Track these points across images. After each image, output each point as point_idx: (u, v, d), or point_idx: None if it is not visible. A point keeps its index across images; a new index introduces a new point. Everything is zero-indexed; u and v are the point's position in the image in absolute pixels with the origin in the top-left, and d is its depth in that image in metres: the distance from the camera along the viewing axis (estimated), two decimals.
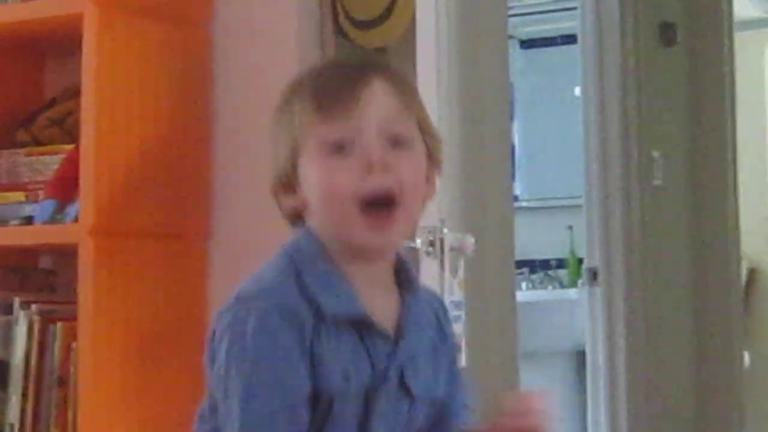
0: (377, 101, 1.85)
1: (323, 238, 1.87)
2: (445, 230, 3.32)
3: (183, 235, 3.29)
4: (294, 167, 1.87)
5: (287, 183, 1.89)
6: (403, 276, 1.94)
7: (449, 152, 3.47)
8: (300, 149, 1.85)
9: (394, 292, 1.92)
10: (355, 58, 1.95)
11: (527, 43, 6.15)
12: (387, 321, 1.87)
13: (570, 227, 5.56)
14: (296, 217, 1.92)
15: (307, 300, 1.79)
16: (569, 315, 5.30)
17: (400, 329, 1.88)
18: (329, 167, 1.82)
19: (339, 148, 1.82)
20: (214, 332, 1.83)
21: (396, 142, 1.84)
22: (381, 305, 1.87)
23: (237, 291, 1.85)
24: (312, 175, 1.84)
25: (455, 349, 2.10)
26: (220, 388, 1.79)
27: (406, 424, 1.92)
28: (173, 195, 3.46)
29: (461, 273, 3.39)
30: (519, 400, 1.97)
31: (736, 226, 5.75)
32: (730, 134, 5.71)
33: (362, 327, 1.84)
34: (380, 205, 1.82)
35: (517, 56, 5.89)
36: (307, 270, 1.83)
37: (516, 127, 5.82)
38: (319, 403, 1.79)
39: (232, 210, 3.44)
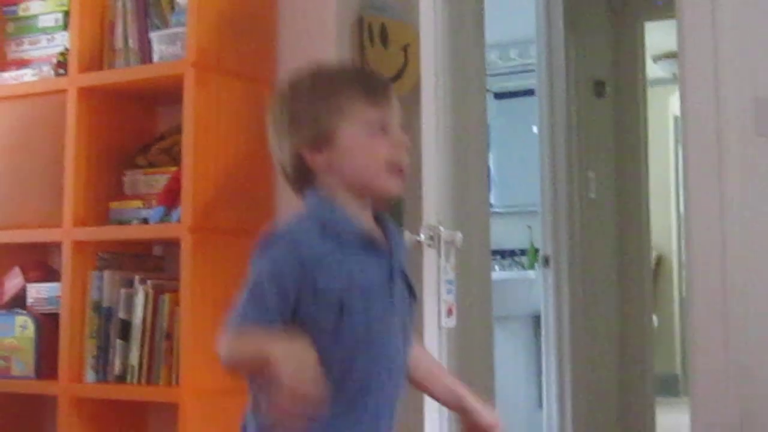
0: (396, 101, 1.90)
1: (340, 189, 1.85)
2: (441, 228, 3.32)
3: (254, 231, 3.32)
4: (332, 132, 1.83)
5: (319, 144, 1.84)
6: (380, 218, 1.94)
7: (444, 173, 3.48)
8: (343, 121, 1.83)
9: (375, 225, 1.91)
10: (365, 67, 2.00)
11: (499, 95, 6.14)
12: (381, 240, 1.87)
13: (529, 227, 5.56)
14: (301, 177, 1.89)
15: (324, 230, 1.79)
16: (529, 290, 5.30)
17: (390, 249, 1.88)
18: (374, 140, 1.83)
19: (380, 128, 1.83)
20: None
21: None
22: (377, 233, 1.88)
23: (270, 233, 1.85)
24: (359, 140, 1.83)
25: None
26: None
27: (405, 319, 1.92)
28: (248, 202, 3.47)
29: (452, 259, 3.39)
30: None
31: (648, 226, 5.77)
32: (643, 161, 5.73)
33: (367, 244, 1.83)
34: (399, 169, 1.85)
35: (492, 104, 5.88)
36: (326, 212, 1.82)
37: (491, 155, 5.82)
38: (332, 302, 1.77)
39: (290, 212, 3.43)
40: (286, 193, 2.30)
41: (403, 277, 1.92)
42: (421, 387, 2.06)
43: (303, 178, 1.87)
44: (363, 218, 1.87)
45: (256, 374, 1.78)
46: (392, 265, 1.87)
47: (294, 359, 1.65)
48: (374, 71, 1.99)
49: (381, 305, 1.84)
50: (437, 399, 2.11)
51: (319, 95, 1.86)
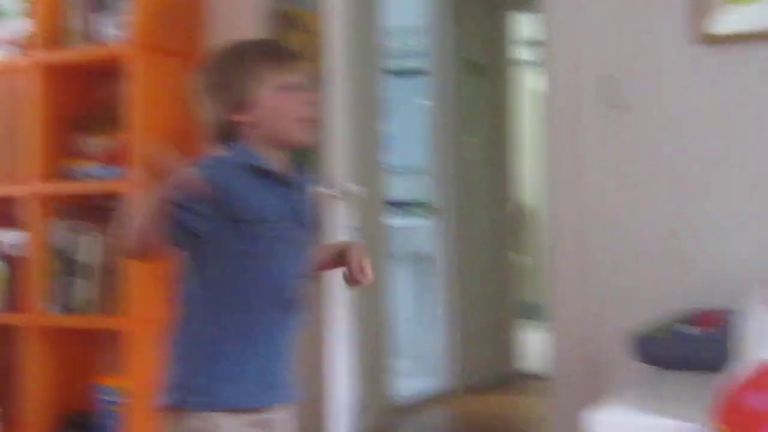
0: (303, 65, 1.90)
1: (260, 143, 1.84)
2: (350, 184, 3.35)
3: None
4: (251, 97, 1.83)
5: (242, 107, 1.83)
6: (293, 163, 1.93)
7: (349, 138, 3.51)
8: (260, 86, 1.83)
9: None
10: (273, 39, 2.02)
11: (398, 74, 6.15)
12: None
13: (419, 182, 5.59)
14: (225, 135, 1.87)
15: (247, 169, 1.80)
16: (419, 233, 5.36)
17: (300, 186, 1.90)
18: (287, 100, 1.83)
19: (291, 89, 1.83)
20: None
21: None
22: (290, 175, 1.88)
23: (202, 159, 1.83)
24: (274, 102, 1.83)
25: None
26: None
27: (304, 243, 1.92)
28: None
29: (356, 209, 3.43)
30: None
31: (516, 180, 5.84)
32: (516, 127, 5.79)
33: (281, 182, 1.84)
34: (309, 121, 1.86)
35: (391, 82, 5.90)
36: (253, 156, 1.82)
37: (390, 124, 5.85)
38: (246, 225, 1.78)
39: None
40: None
41: (309, 210, 1.93)
42: (320, 267, 2.06)
43: (227, 134, 1.86)
44: (279, 163, 1.87)
45: (159, 223, 1.71)
46: (296, 202, 1.88)
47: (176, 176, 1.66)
48: (282, 43, 1.99)
49: (284, 237, 1.84)
50: (328, 264, 2.08)
51: (239, 66, 1.86)
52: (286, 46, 1.97)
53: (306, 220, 1.92)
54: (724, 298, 3.02)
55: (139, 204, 1.69)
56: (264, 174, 1.83)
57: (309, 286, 1.95)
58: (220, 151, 1.88)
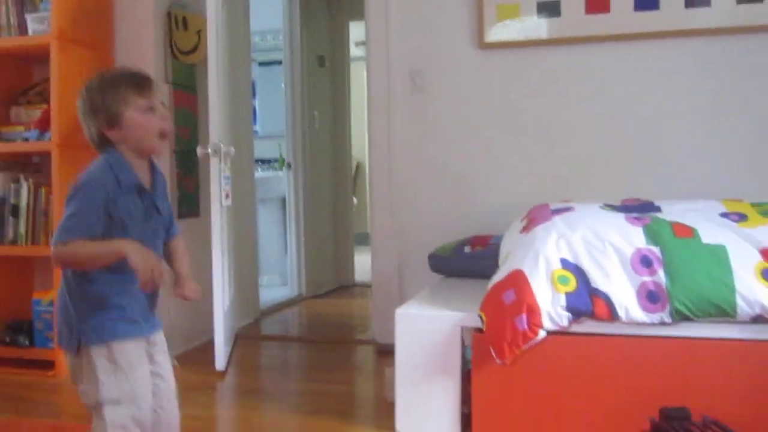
0: (158, 88, 1.83)
1: (128, 151, 1.78)
2: (221, 144, 3.32)
3: None
4: (120, 116, 1.75)
5: (111, 124, 1.75)
6: (152, 166, 1.86)
7: (223, 111, 3.47)
8: (126, 108, 1.75)
9: (149, 172, 1.84)
10: (136, 69, 1.87)
11: (262, 64, 6.07)
12: (147, 184, 1.82)
13: (279, 144, 5.56)
14: (103, 143, 1.78)
15: (116, 180, 1.73)
16: (280, 183, 5.35)
17: (153, 187, 1.83)
18: (147, 117, 1.76)
19: (150, 110, 1.77)
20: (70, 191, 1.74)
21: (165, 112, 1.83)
22: (146, 179, 1.82)
23: (78, 178, 1.75)
24: (138, 120, 1.75)
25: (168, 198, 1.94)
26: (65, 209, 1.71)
27: (157, 229, 1.87)
28: None
29: (229, 164, 3.41)
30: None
31: (350, 145, 5.88)
32: (347, 103, 5.81)
33: (140, 189, 1.79)
34: (165, 135, 1.80)
35: (257, 69, 5.83)
36: (117, 167, 1.75)
37: (257, 101, 5.79)
38: (117, 224, 1.73)
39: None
40: None
41: (157, 206, 1.86)
42: (168, 261, 1.98)
43: (103, 144, 1.79)
44: (140, 171, 1.80)
45: (96, 265, 1.71)
46: (153, 200, 1.82)
47: (140, 250, 1.66)
48: (142, 71, 1.89)
49: (144, 226, 1.80)
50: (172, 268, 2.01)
51: (108, 91, 1.78)
52: (148, 75, 1.87)
53: (161, 209, 1.86)
54: (496, 226, 3.18)
55: (92, 247, 1.68)
56: (127, 183, 1.77)
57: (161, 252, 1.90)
58: (100, 159, 1.80)
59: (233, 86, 3.84)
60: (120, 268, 1.72)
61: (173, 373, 1.90)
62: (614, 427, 2.20)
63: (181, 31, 3.68)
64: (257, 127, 5.85)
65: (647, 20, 3.26)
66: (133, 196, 1.78)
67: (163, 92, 1.87)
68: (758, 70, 3.19)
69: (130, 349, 1.77)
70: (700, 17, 3.21)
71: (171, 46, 3.61)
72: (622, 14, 3.28)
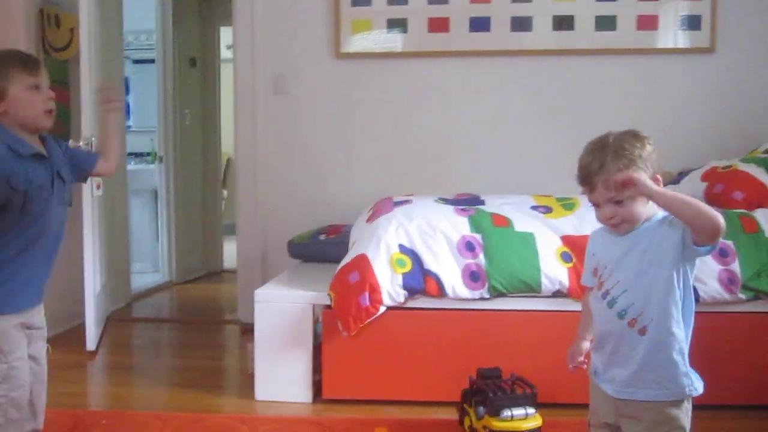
0: (45, 70, 1.79)
1: (14, 126, 1.72)
2: (92, 138, 3.24)
3: None
4: (5, 91, 1.70)
5: None
6: (44, 140, 1.80)
7: (92, 107, 3.40)
8: (11, 84, 1.71)
9: (42, 146, 1.78)
10: (24, 50, 1.81)
11: (136, 61, 5.89)
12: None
13: (152, 139, 5.41)
14: None
15: (10, 150, 1.68)
16: (152, 175, 5.23)
17: (50, 156, 1.78)
18: (32, 95, 1.73)
19: (35, 87, 1.73)
20: None
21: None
22: (42, 150, 1.77)
23: None
24: (22, 98, 1.71)
25: (72, 153, 1.91)
26: None
27: (64, 197, 1.83)
28: None
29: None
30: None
31: (220, 141, 5.77)
32: (217, 102, 5.73)
33: (35, 157, 1.73)
34: (49, 112, 1.77)
35: (132, 67, 5.68)
36: (9, 139, 1.70)
37: (131, 97, 5.65)
38: (19, 194, 1.69)
39: None
40: None
41: (60, 174, 1.83)
42: (105, 156, 1.99)
43: None
44: (32, 142, 1.76)
45: None
46: (52, 167, 1.78)
47: None
48: (30, 53, 1.85)
49: (46, 192, 1.76)
50: (105, 131, 2.08)
51: None
52: (33, 55, 1.82)
53: (64, 177, 1.82)
54: (348, 216, 3.33)
55: None
56: (23, 152, 1.72)
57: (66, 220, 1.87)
58: None
59: (106, 81, 3.77)
60: (19, 241, 1.69)
61: (46, 357, 1.87)
62: (441, 386, 2.41)
63: (53, 28, 3.58)
64: (130, 122, 5.71)
65: (480, 40, 3.51)
66: (33, 164, 1.72)
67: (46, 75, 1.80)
68: (570, 86, 3.52)
69: (12, 332, 1.73)
70: (524, 40, 3.51)
71: (43, 42, 3.51)
72: (459, 34, 3.52)
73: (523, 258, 2.41)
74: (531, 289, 2.40)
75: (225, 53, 5.99)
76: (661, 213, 1.46)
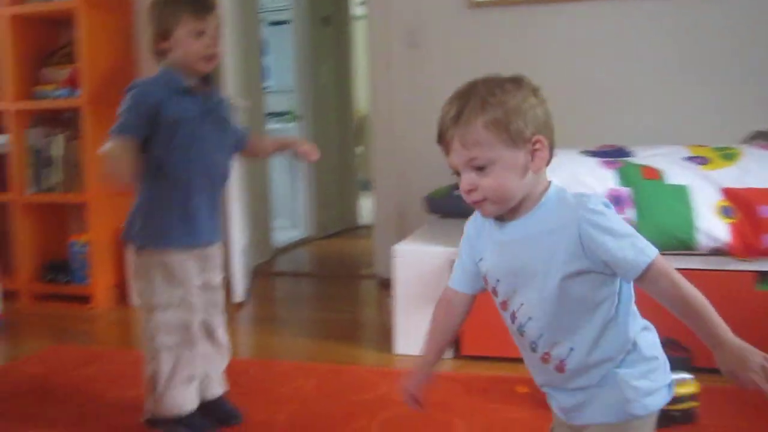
0: (216, 16, 1.78)
1: (177, 64, 1.75)
2: (239, 98, 3.34)
3: None
4: (171, 32, 1.73)
5: (164, 38, 1.74)
6: (208, 83, 1.83)
7: (237, 68, 3.47)
8: (177, 27, 1.72)
9: (205, 87, 1.81)
10: None
11: (272, 23, 5.98)
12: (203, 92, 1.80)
13: (290, 99, 5.53)
14: (161, 54, 1.77)
15: (163, 84, 1.73)
16: (289, 133, 5.30)
17: (211, 99, 1.82)
18: (193, 41, 1.73)
19: (200, 33, 1.73)
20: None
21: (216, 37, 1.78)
22: (200, 89, 1.80)
23: (135, 82, 1.76)
24: (185, 42, 1.73)
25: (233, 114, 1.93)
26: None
27: (223, 137, 1.84)
28: (121, 85, 3.39)
29: (242, 117, 3.43)
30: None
31: (354, 95, 5.84)
32: (351, 60, 5.76)
33: (189, 91, 1.76)
34: (209, 58, 1.76)
35: (267, 29, 5.76)
36: (167, 76, 1.74)
37: (270, 59, 5.75)
38: (171, 124, 1.72)
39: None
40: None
41: (220, 112, 1.84)
42: (255, 153, 2.01)
43: (157, 55, 1.79)
44: (190, 81, 1.77)
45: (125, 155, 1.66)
46: (208, 105, 1.80)
47: (110, 153, 1.62)
48: None
49: (200, 130, 1.78)
50: (268, 151, 2.05)
51: (165, 9, 1.75)
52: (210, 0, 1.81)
53: (221, 119, 1.84)
54: None
55: (107, 154, 1.63)
56: (180, 89, 1.75)
57: (231, 165, 1.88)
58: (155, 72, 1.80)
59: (245, 44, 3.84)
60: (174, 176, 1.73)
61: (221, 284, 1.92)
62: None
63: None
64: (271, 83, 5.83)
65: None
66: (184, 98, 1.75)
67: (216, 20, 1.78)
68: (724, 30, 3.18)
69: (184, 260, 1.80)
70: None
71: None
72: None
73: (677, 213, 2.21)
74: (686, 246, 2.20)
75: (356, 11, 5.96)
76: (554, 187, 1.06)
